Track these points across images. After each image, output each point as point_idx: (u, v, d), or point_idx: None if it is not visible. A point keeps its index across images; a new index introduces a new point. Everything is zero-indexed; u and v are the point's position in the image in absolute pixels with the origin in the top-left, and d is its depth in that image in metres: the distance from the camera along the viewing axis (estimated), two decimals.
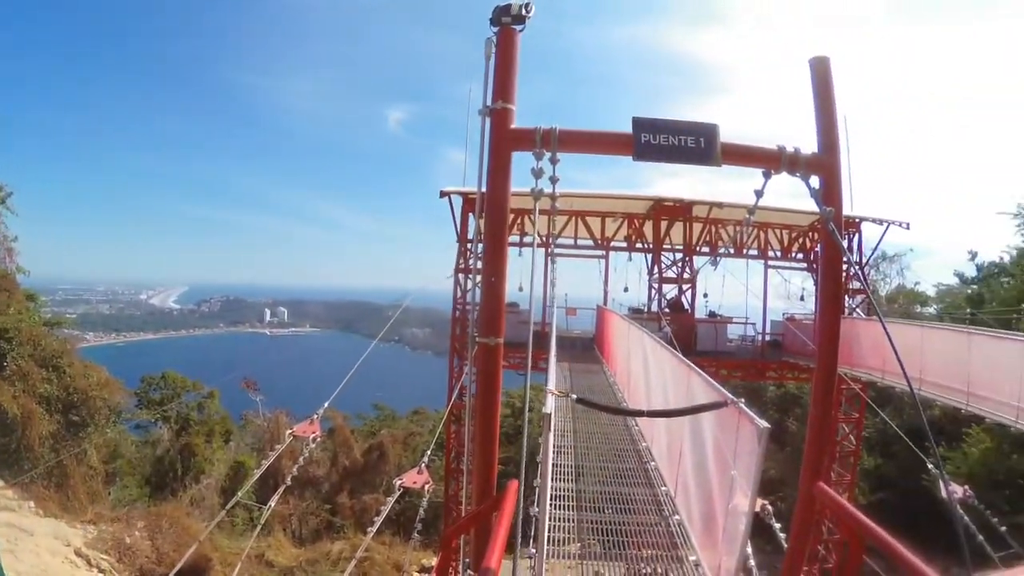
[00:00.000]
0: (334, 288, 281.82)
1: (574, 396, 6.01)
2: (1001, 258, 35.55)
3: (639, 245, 25.75)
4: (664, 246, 25.01)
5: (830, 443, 24.06)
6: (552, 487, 8.76)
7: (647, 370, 10.60)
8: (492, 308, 4.95)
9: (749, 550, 7.95)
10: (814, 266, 26.19)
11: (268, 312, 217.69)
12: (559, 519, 7.97)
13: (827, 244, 4.85)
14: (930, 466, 10.95)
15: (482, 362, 4.96)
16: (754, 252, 26.98)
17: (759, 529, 9.33)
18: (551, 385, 6.20)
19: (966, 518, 10.76)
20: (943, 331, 17.88)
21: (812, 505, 5.04)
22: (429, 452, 14.43)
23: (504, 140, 4.80)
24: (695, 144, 4.58)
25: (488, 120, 4.86)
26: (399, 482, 12.49)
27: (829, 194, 5.02)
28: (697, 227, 25.15)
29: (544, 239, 20.14)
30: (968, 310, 33.00)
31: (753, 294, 26.00)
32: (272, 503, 12.32)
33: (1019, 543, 16.53)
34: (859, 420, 24.00)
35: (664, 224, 24.63)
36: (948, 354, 15.74)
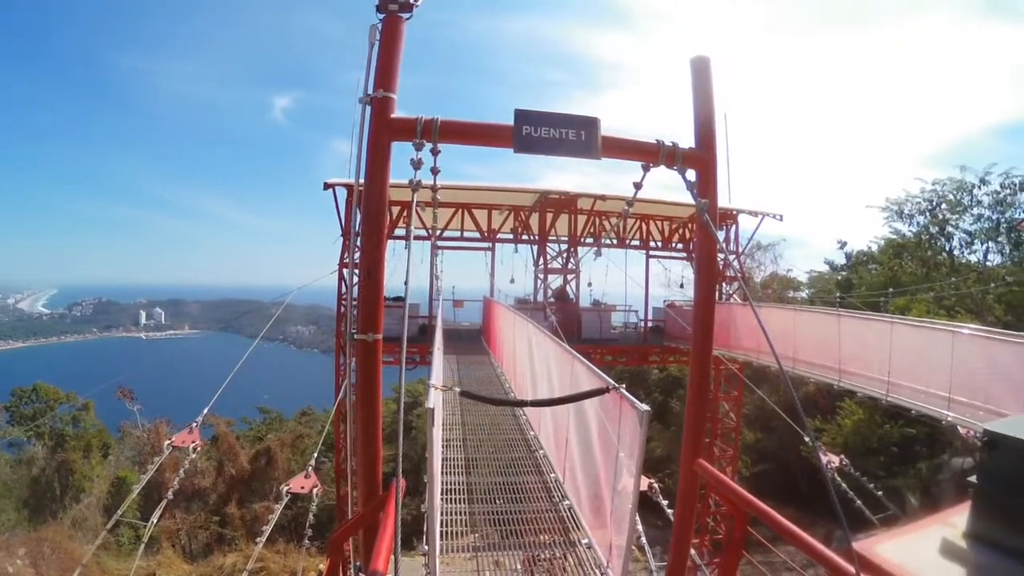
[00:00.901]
0: (214, 286, 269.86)
1: (457, 389, 5.95)
2: (869, 247, 39.98)
3: (525, 237, 26.03)
4: (550, 238, 25.63)
5: (711, 421, 25.24)
6: (444, 481, 8.85)
7: (532, 360, 10.70)
8: (370, 303, 4.81)
9: (640, 527, 8.19)
10: (693, 255, 27.19)
11: (143, 314, 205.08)
12: (452, 513, 8.01)
13: (702, 234, 4.99)
14: (807, 439, 11.51)
15: (361, 359, 4.82)
16: (636, 243, 27.89)
17: (649, 506, 9.62)
18: (434, 379, 6.14)
19: (843, 485, 11.36)
20: (814, 314, 19.24)
21: (694, 481, 5.22)
22: (316, 454, 14.13)
23: (383, 130, 4.66)
24: (576, 137, 4.59)
25: (368, 109, 4.71)
26: (287, 488, 12.21)
27: (704, 187, 5.15)
28: (582, 219, 25.76)
29: (429, 232, 20.14)
30: (837, 294, 35.86)
31: (635, 283, 26.88)
32: (154, 519, 11.81)
33: (896, 505, 17.72)
34: (738, 398, 25.24)
35: (550, 216, 25.14)
36: (820, 335, 16.92)
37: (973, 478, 6.77)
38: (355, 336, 4.79)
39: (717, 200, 5.28)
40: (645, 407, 4.82)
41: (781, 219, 25.94)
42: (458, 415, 12.11)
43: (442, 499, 8.23)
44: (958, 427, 12.28)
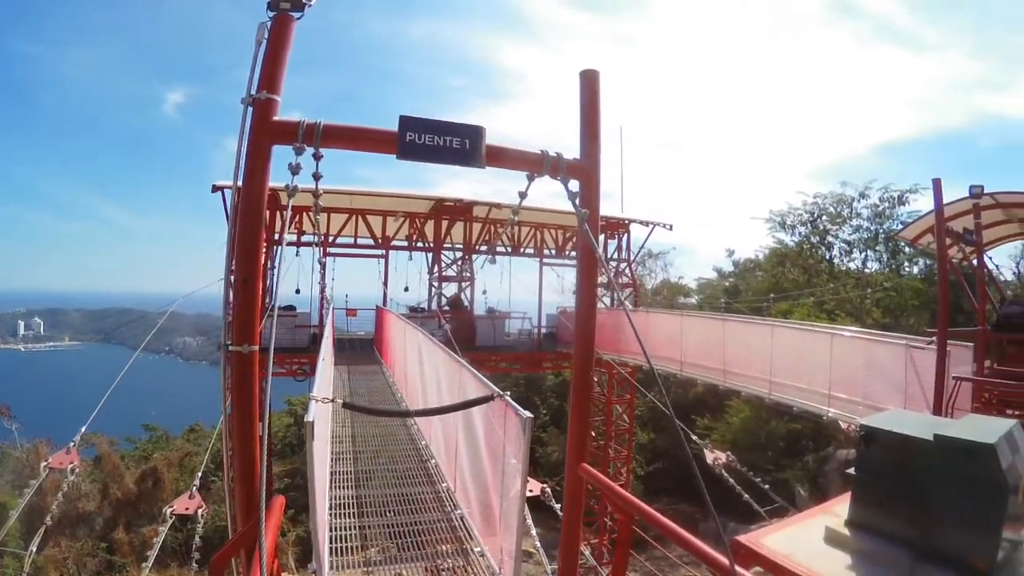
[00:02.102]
0: (97, 293, 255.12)
1: (339, 401, 5.78)
2: (756, 255, 42.57)
3: (420, 244, 25.81)
4: (445, 245, 25.41)
5: (605, 424, 25.68)
6: (333, 496, 8.62)
7: (422, 369, 10.62)
8: (246, 313, 4.57)
9: (535, 531, 8.18)
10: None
11: (22, 325, 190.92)
12: (342, 528, 7.79)
13: (583, 243, 5.02)
14: (694, 438, 11.91)
15: (237, 372, 4.57)
16: (531, 250, 28.19)
17: (545, 510, 9.65)
18: (315, 391, 5.92)
19: (731, 480, 11.70)
20: (701, 319, 20.02)
21: (579, 485, 5.25)
22: (202, 473, 13.53)
23: (265, 133, 4.43)
24: (460, 145, 4.51)
25: (251, 111, 4.47)
26: (170, 509, 11.74)
27: (588, 197, 5.21)
28: (477, 227, 25.75)
29: (317, 239, 19.77)
30: (722, 300, 38.08)
31: (529, 290, 27.08)
32: (33, 547, 11.10)
33: (785, 496, 18.47)
34: (631, 401, 25.87)
35: (445, 223, 24.97)
36: (706, 338, 17.60)
37: (852, 470, 7.14)
38: (230, 347, 4.53)
39: (599, 210, 5.33)
40: (528, 414, 4.89)
41: (671, 228, 26.96)
42: (348, 427, 11.86)
43: (331, 515, 8.04)
44: (839, 422, 12.89)
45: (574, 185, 5.06)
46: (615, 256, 27.60)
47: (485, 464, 6.32)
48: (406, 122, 4.47)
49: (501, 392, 5.35)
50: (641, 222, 26.74)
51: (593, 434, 26.49)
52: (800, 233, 39.53)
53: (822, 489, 21.92)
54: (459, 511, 7.93)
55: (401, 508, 8.49)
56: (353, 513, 8.29)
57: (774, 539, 7.03)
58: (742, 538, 6.91)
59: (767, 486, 12.18)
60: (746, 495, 11.66)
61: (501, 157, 4.79)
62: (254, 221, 4.54)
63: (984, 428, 6.45)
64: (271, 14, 4.54)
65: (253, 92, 4.45)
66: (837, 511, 7.51)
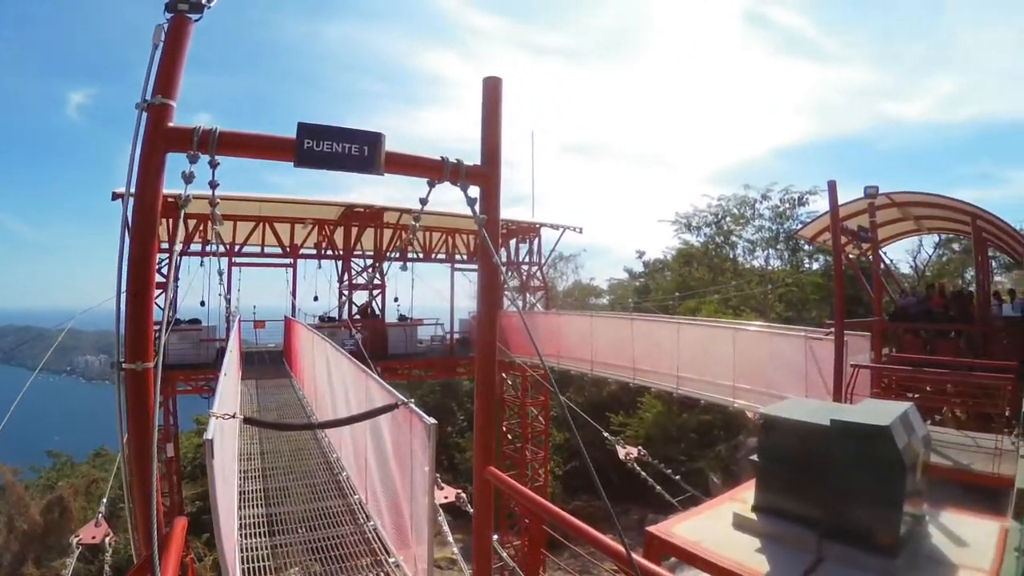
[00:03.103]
0: None
1: (241, 416, 5.60)
2: (664, 255, 43.94)
3: (329, 252, 25.12)
4: (355, 252, 24.81)
5: (520, 426, 25.71)
6: (242, 515, 8.39)
7: (331, 380, 10.45)
8: (139, 328, 4.35)
9: (452, 538, 8.13)
10: (500, 266, 27.77)
11: None
12: (253, 548, 7.56)
13: (483, 248, 5.00)
14: (606, 435, 12.08)
15: (131, 391, 4.34)
16: (442, 256, 28.05)
17: (465, 516, 9.60)
18: (216, 407, 5.71)
19: (643, 473, 11.92)
20: (610, 319, 20.43)
21: (488, 488, 5.22)
22: (107, 499, 12.95)
23: (159, 139, 4.21)
24: (359, 152, 4.42)
25: (145, 116, 4.25)
26: (76, 539, 11.16)
27: (489, 203, 5.19)
28: (388, 233, 25.20)
29: (213, 247, 19.05)
30: (631, 300, 39.17)
31: (443, 296, 26.91)
32: None
33: (701, 485, 18.96)
34: (545, 402, 26.14)
35: (355, 230, 24.39)
36: (615, 338, 17.95)
37: (755, 456, 7.38)
38: (123, 365, 4.30)
39: (499, 215, 5.32)
40: (432, 420, 4.91)
41: (581, 231, 27.39)
42: (257, 444, 11.53)
43: (241, 535, 7.78)
44: (746, 412, 13.32)
45: (475, 191, 5.04)
46: (526, 259, 27.80)
47: (394, 474, 6.27)
48: (304, 129, 4.35)
49: (405, 400, 5.30)
50: (551, 226, 26.94)
51: (509, 436, 26.56)
52: (705, 234, 41.50)
53: (735, 476, 22.59)
54: (372, 523, 7.83)
55: (313, 524, 8.30)
56: (264, 532, 8.05)
57: (684, 527, 7.22)
58: (653, 528, 7.07)
59: (678, 477, 12.45)
60: (658, 487, 11.89)
61: (401, 164, 4.73)
62: (147, 231, 4.33)
63: (880, 411, 6.77)
64: (168, 15, 4.35)
65: (148, 96, 4.26)
66: (744, 497, 7.77)
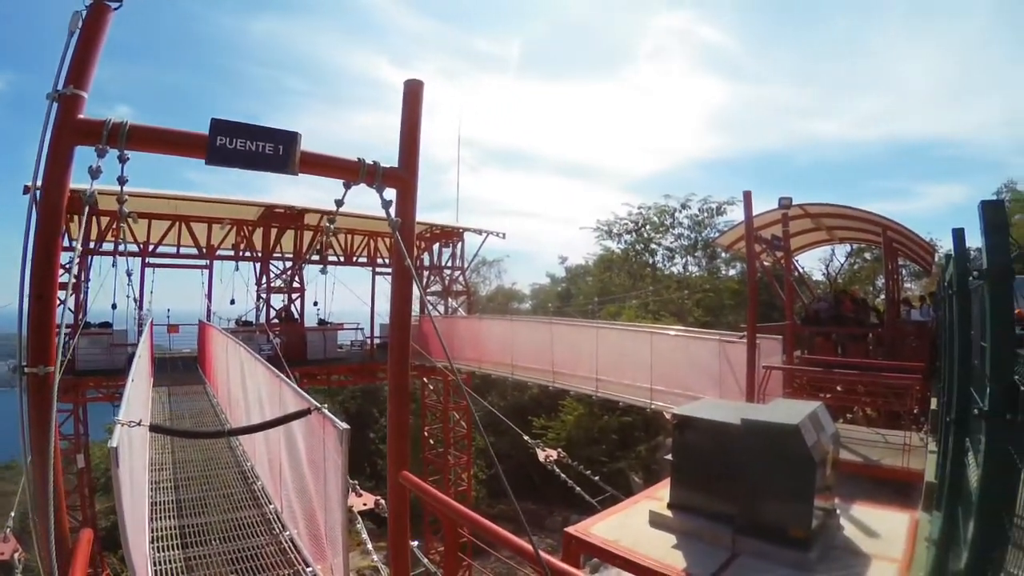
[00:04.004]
0: None
1: (146, 424, 5.41)
2: (586, 261, 44.65)
3: (247, 254, 24.20)
4: (274, 254, 24.01)
5: (443, 431, 25.59)
6: (154, 527, 8.09)
7: (245, 386, 10.18)
8: (42, 330, 4.16)
9: (371, 546, 8.01)
10: (423, 271, 27.68)
11: None
12: (165, 561, 7.27)
13: (396, 251, 4.95)
14: (526, 439, 12.16)
15: (33, 396, 4.14)
16: (364, 259, 27.70)
17: (381, 521, 9.48)
18: (122, 414, 5.49)
19: (563, 475, 12.03)
20: (530, 323, 20.63)
21: (403, 494, 5.18)
22: (13, 513, 12.30)
23: (67, 132, 4.03)
24: (272, 151, 4.32)
25: (56, 107, 4.05)
26: None
27: (405, 206, 5.14)
28: (308, 235, 24.61)
29: (133, 247, 18.30)
30: (550, 304, 39.73)
31: (364, 300, 26.53)
32: None
33: (623, 485, 19.21)
34: (467, 406, 25.65)
35: (275, 231, 23.61)
36: (535, 342, 18.07)
37: (669, 456, 7.56)
38: (25, 370, 4.11)
39: (414, 219, 5.28)
40: (344, 425, 4.86)
41: (504, 237, 27.30)
42: (168, 454, 11.15)
43: (153, 547, 7.51)
44: (664, 413, 13.61)
45: (391, 194, 4.99)
46: (449, 264, 27.73)
47: (309, 481, 6.15)
48: (217, 125, 4.24)
49: (318, 405, 5.21)
50: (475, 230, 26.92)
51: (432, 441, 26.42)
52: (626, 241, 42.61)
53: (656, 475, 23.05)
54: (288, 533, 7.64)
55: (228, 535, 8.04)
56: (177, 545, 7.76)
57: (601, 527, 7.33)
58: (572, 529, 7.17)
59: (597, 478, 12.61)
60: (578, 488, 12.03)
61: (316, 164, 4.65)
62: (51, 229, 4.15)
63: (790, 411, 7.02)
64: (88, 2, 4.18)
65: (60, 86, 4.08)
66: (660, 495, 7.95)
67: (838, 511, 7.31)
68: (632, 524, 7.25)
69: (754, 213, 13.11)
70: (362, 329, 27.01)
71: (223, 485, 9.92)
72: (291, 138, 4.38)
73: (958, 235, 4.57)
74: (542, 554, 3.21)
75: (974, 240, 3.52)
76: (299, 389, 6.20)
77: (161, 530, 8.10)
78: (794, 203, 13.97)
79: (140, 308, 19.99)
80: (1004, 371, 2.46)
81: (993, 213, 2.69)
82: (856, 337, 14.73)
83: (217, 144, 4.21)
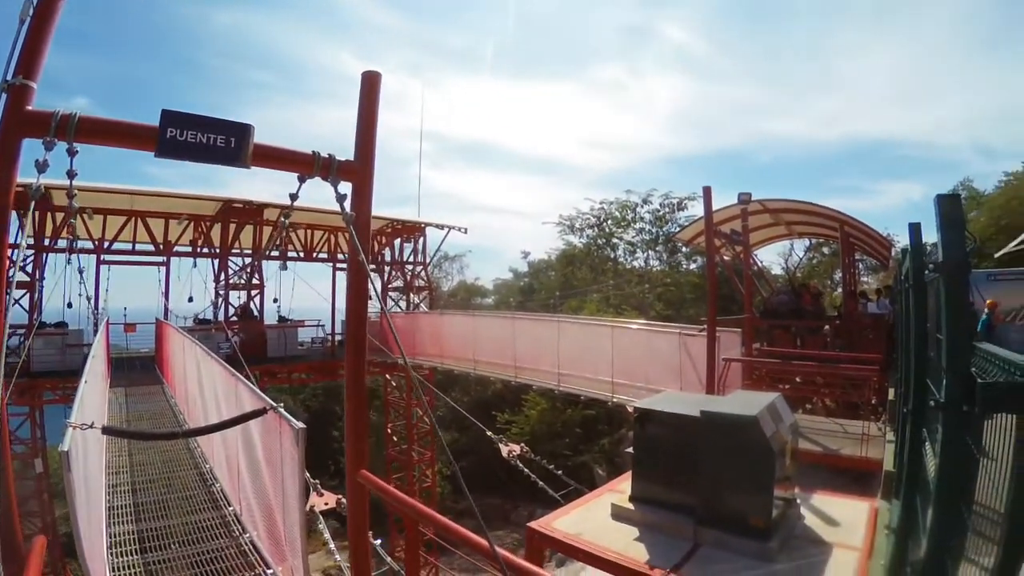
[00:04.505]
0: None
1: (98, 427, 5.27)
2: (548, 256, 44.87)
3: (205, 250, 23.73)
4: (233, 250, 23.47)
5: (406, 428, 25.47)
6: (112, 532, 7.93)
7: (202, 386, 9.99)
8: None
9: (333, 545, 7.92)
10: (384, 267, 27.51)
11: None
12: (124, 567, 7.13)
13: (352, 246, 4.86)
14: (489, 434, 12.15)
15: None
16: (324, 255, 27.42)
17: (343, 521, 9.40)
18: (74, 416, 5.34)
19: (526, 470, 12.05)
20: (492, 318, 20.63)
21: (362, 493, 5.11)
22: None
23: (15, 123, 3.88)
24: (224, 143, 4.20)
25: (3, 97, 3.90)
26: None
27: (361, 200, 5.04)
28: (268, 230, 24.08)
29: (75, 242, 17.71)
30: (512, 299, 39.92)
31: (325, 296, 26.26)
32: None
33: (586, 479, 19.34)
34: (431, 403, 25.84)
35: (233, 226, 23.06)
36: (498, 337, 18.11)
37: (630, 449, 7.60)
38: None
39: (370, 213, 5.17)
40: (301, 425, 4.75)
41: (466, 232, 27.32)
42: (126, 456, 10.92)
43: (111, 553, 7.35)
44: (626, 406, 13.71)
45: (346, 187, 4.91)
46: (411, 259, 27.58)
47: (267, 482, 6.04)
48: (168, 117, 4.12)
49: (274, 404, 5.11)
50: (437, 225, 26.77)
51: (395, 439, 26.28)
52: (588, 236, 42.80)
53: (619, 468, 23.25)
54: (248, 535, 7.52)
55: (187, 538, 7.90)
56: (136, 550, 7.60)
57: (564, 521, 7.35)
58: (534, 524, 7.17)
59: (560, 472, 12.65)
60: (540, 482, 12.06)
61: (269, 157, 4.53)
62: None
63: (748, 402, 7.09)
64: None
65: (9, 77, 3.93)
66: (622, 488, 7.98)
67: (798, 500, 7.42)
68: (594, 517, 7.28)
69: (714, 208, 13.24)
70: (323, 326, 26.71)
71: (182, 487, 9.74)
72: (243, 130, 4.27)
73: (914, 229, 4.63)
74: (498, 549, 3.18)
75: (931, 236, 3.58)
76: (254, 388, 6.09)
77: (119, 535, 7.95)
78: (753, 199, 14.19)
79: (96, 307, 19.52)
80: (960, 363, 2.49)
81: (949, 207, 2.72)
82: (814, 329, 14.99)
83: (168, 136, 4.09)
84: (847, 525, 6.95)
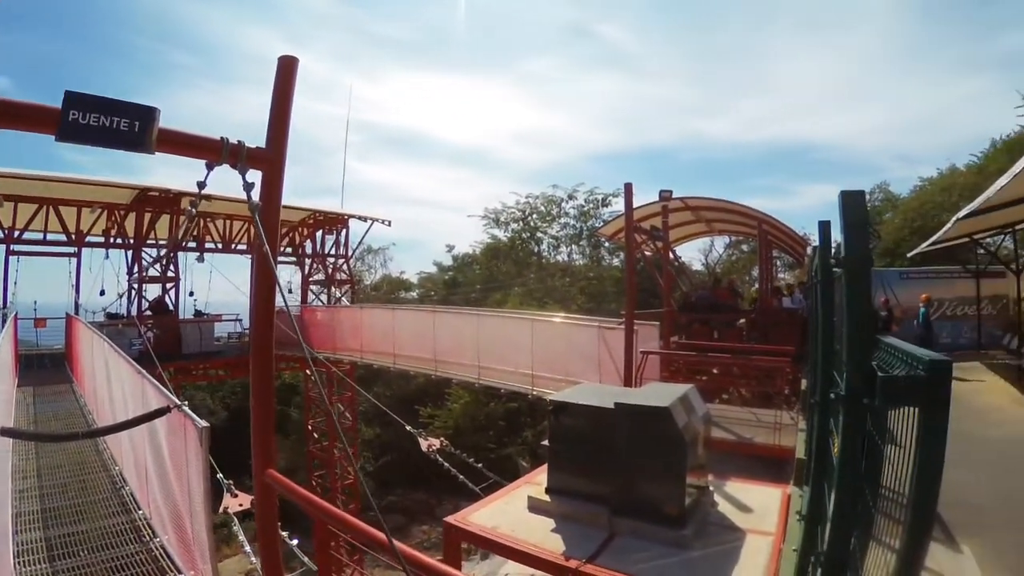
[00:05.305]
0: None
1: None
2: (473, 250, 44.76)
3: (119, 240, 22.51)
4: (148, 241, 22.52)
5: (327, 425, 25.08)
6: (18, 540, 7.57)
7: (110, 384, 9.62)
8: None
9: (249, 548, 7.73)
10: (305, 259, 27.04)
11: None
12: None
13: (257, 237, 4.70)
14: (408, 428, 12.08)
15: None
16: (243, 247, 26.70)
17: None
18: None
19: (446, 464, 12.03)
20: (412, 312, 20.60)
21: (270, 493, 4.97)
22: None
23: None
24: (128, 128, 4.00)
25: None
26: None
27: (270, 189, 4.86)
28: (185, 220, 23.22)
29: (4, 232, 16.73)
30: (433, 293, 39.92)
31: (241, 291, 25.44)
32: None
33: (510, 471, 19.45)
34: (352, 398, 25.54)
35: (148, 216, 22.12)
36: (418, 330, 18.13)
37: (546, 441, 7.66)
38: None
39: (280, 203, 5.00)
40: (204, 424, 4.68)
41: (390, 224, 26.79)
42: (32, 460, 10.44)
43: (18, 562, 7.04)
44: (546, 398, 13.87)
45: (256, 175, 4.73)
46: (333, 251, 27.15)
47: (174, 485, 5.86)
48: (71, 98, 3.91)
49: (178, 402, 4.94)
50: (360, 217, 26.35)
51: (316, 435, 25.88)
52: (513, 229, 43.12)
53: (543, 460, 23.55)
54: (159, 540, 7.29)
55: (97, 544, 7.62)
56: (43, 558, 7.30)
57: (481, 515, 7.36)
58: (450, 518, 7.16)
59: (480, 465, 12.68)
60: (461, 476, 12.07)
61: (175, 143, 4.32)
62: None
63: (662, 393, 7.23)
64: None
65: None
66: (539, 480, 8.04)
67: (712, 488, 7.62)
68: (511, 510, 7.32)
69: (637, 205, 13.48)
70: (240, 320, 25.90)
71: (91, 492, 9.38)
72: (148, 114, 4.07)
73: (824, 227, 4.75)
74: (397, 545, 3.14)
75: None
76: (159, 386, 5.87)
77: (26, 543, 7.61)
78: (675, 196, 14.50)
79: (4, 300, 18.57)
80: (861, 357, 2.56)
81: (852, 202, 2.76)
82: (731, 323, 15.40)
83: (70, 119, 3.87)
84: (760, 511, 7.17)
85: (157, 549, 7.18)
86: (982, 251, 19.64)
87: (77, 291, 22.02)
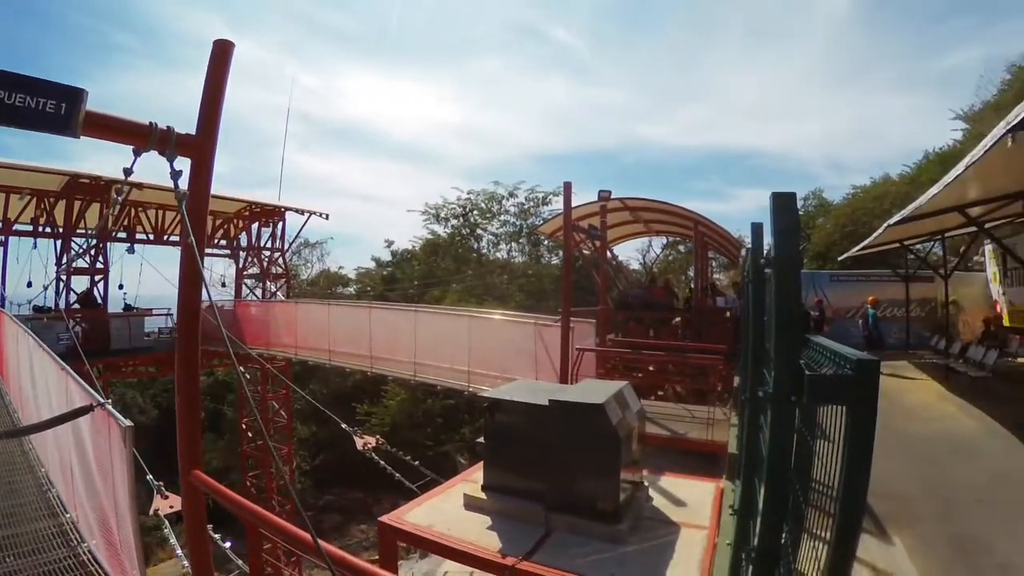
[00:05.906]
0: None
1: None
2: (412, 245, 44.50)
3: (48, 229, 21.55)
4: (79, 230, 21.43)
5: (262, 422, 24.58)
6: None
7: (35, 381, 9.24)
8: None
9: (181, 551, 7.52)
10: (240, 252, 26.48)
11: None
12: None
13: (183, 227, 4.53)
14: (344, 426, 11.93)
15: None
16: (176, 238, 25.93)
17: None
18: None
19: (381, 462, 11.93)
20: (348, 307, 20.42)
21: (197, 496, 4.83)
22: None
23: None
24: (54, 110, 3.83)
25: None
26: None
27: (199, 177, 4.69)
28: (117, 210, 22.20)
29: None
30: (370, 288, 39.68)
31: (172, 284, 24.64)
32: None
33: (448, 468, 19.41)
34: (287, 395, 25.15)
35: (79, 204, 21.00)
36: (353, 326, 18.00)
37: (481, 439, 7.68)
38: None
39: (209, 191, 4.85)
40: (128, 422, 4.48)
41: (327, 218, 26.42)
42: None
43: None
44: (480, 395, 13.89)
45: (184, 163, 4.56)
46: (268, 244, 26.64)
47: (99, 486, 5.66)
48: None
49: (101, 400, 4.76)
50: (296, 210, 25.81)
51: (250, 434, 25.35)
52: (453, 225, 43.15)
53: (481, 457, 23.60)
54: (86, 544, 7.02)
55: (22, 550, 7.28)
56: None
57: (416, 513, 7.32)
58: (385, 517, 7.10)
59: (417, 462, 12.60)
60: (397, 475, 11.98)
61: (102, 127, 4.14)
62: None
63: (596, 390, 7.31)
64: None
65: None
66: (475, 478, 8.04)
67: (647, 483, 7.72)
68: (447, 508, 7.30)
69: (576, 204, 13.60)
70: (171, 315, 25.09)
71: (15, 494, 8.98)
72: (75, 95, 3.90)
73: (756, 229, 4.84)
74: (322, 544, 3.10)
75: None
76: (83, 383, 5.65)
77: None
78: (614, 196, 14.68)
79: None
80: (789, 356, 2.60)
81: (783, 204, 2.78)
82: (666, 321, 15.65)
83: None
84: (695, 505, 7.31)
85: (85, 554, 6.90)
86: (912, 256, 20.43)
87: (3, 282, 21.22)
